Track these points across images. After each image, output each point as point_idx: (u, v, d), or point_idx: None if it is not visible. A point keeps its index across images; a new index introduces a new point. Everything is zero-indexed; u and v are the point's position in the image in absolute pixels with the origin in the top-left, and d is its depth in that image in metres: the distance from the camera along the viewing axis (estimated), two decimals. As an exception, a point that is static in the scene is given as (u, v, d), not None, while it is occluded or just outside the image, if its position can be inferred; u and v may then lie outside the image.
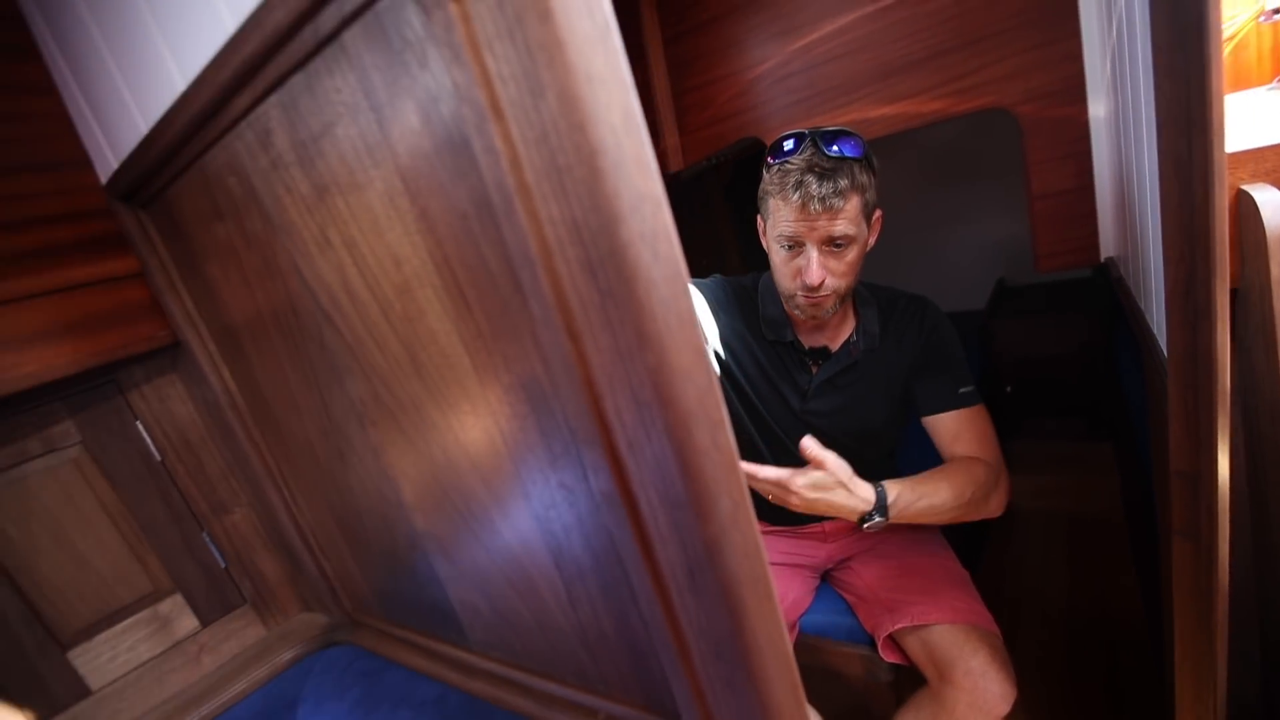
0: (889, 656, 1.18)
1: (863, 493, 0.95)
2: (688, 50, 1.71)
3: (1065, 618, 1.72)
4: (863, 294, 1.17)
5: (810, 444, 0.92)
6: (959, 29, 1.33)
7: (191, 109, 0.54)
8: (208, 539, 0.93)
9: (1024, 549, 2.02)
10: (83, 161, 0.75)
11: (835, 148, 0.92)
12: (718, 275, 1.29)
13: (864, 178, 0.94)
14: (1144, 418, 1.07)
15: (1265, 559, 0.86)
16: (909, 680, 1.22)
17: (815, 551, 1.34)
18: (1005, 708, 1.01)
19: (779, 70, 1.58)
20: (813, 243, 0.95)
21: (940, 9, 1.35)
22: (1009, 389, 2.41)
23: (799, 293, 1.02)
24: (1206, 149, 0.58)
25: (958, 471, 1.04)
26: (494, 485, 0.60)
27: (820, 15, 1.49)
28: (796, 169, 0.92)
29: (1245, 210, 0.78)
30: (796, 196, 0.91)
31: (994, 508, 1.04)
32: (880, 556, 1.25)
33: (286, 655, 0.90)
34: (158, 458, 0.89)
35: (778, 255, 1.03)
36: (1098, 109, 1.20)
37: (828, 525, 1.30)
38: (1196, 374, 0.65)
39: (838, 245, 0.96)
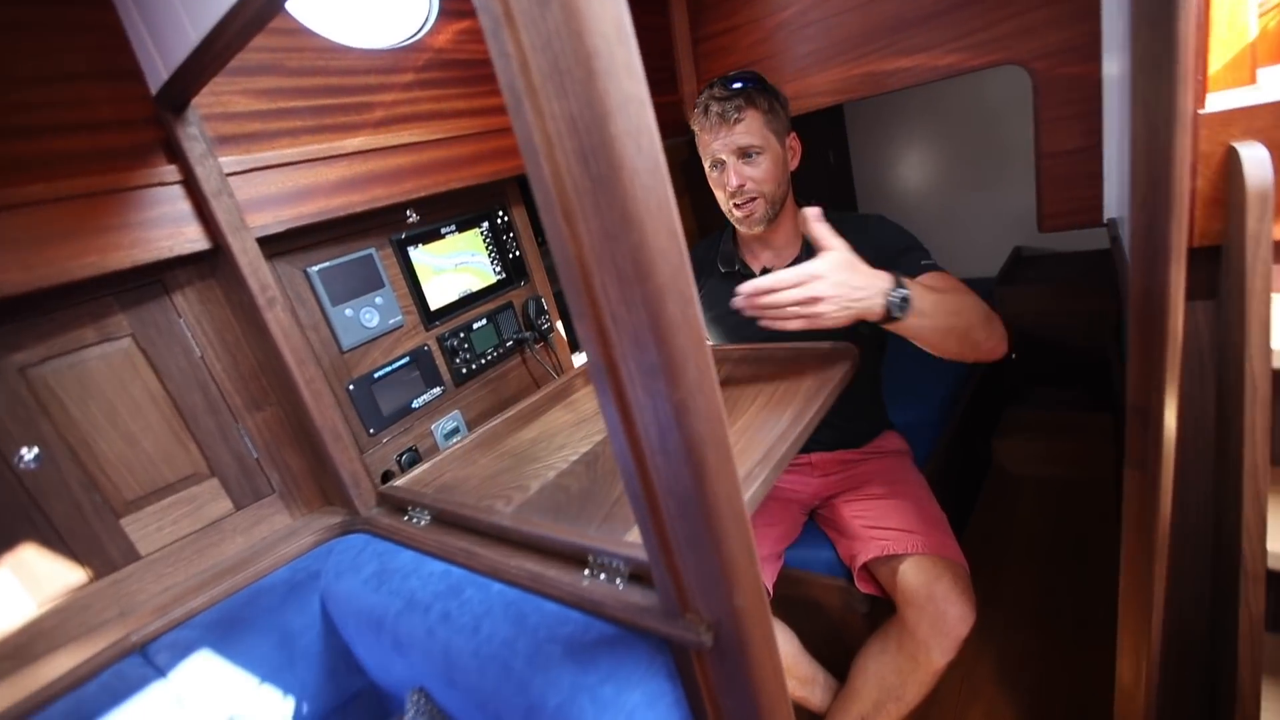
0: (864, 587, 1.27)
1: (877, 272, 0.91)
2: (710, -5, 1.71)
3: (1045, 561, 1.80)
4: None
5: (813, 217, 0.92)
6: (978, -19, 1.33)
7: (244, 16, 0.60)
8: (241, 432, 1.03)
9: (1014, 507, 2.09)
10: (135, 72, 0.82)
11: (734, 83, 1.16)
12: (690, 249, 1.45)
13: (763, 101, 1.16)
14: None
15: (1221, 495, 0.92)
16: (884, 613, 1.31)
17: (803, 486, 1.42)
18: (964, 630, 1.09)
19: (799, 19, 1.58)
20: (727, 154, 1.17)
21: (961, -39, 1.34)
22: (1014, 355, 2.44)
23: (731, 204, 1.22)
24: (1171, 94, 0.61)
25: (956, 288, 1.06)
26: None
27: (843, -36, 1.49)
28: (703, 100, 1.17)
29: (1233, 167, 0.81)
30: (704, 119, 1.17)
31: (998, 338, 1.05)
32: (864, 495, 1.33)
33: (309, 539, 1.00)
34: (198, 354, 0.98)
35: (712, 180, 1.24)
36: (1111, 67, 1.21)
37: (814, 456, 1.39)
38: (1151, 313, 0.70)
39: (750, 155, 1.17)
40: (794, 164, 1.27)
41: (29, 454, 0.85)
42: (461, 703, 0.69)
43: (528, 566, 0.76)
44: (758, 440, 0.86)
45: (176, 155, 0.85)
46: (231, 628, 0.88)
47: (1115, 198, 1.33)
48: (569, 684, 0.59)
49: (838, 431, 1.37)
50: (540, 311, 1.55)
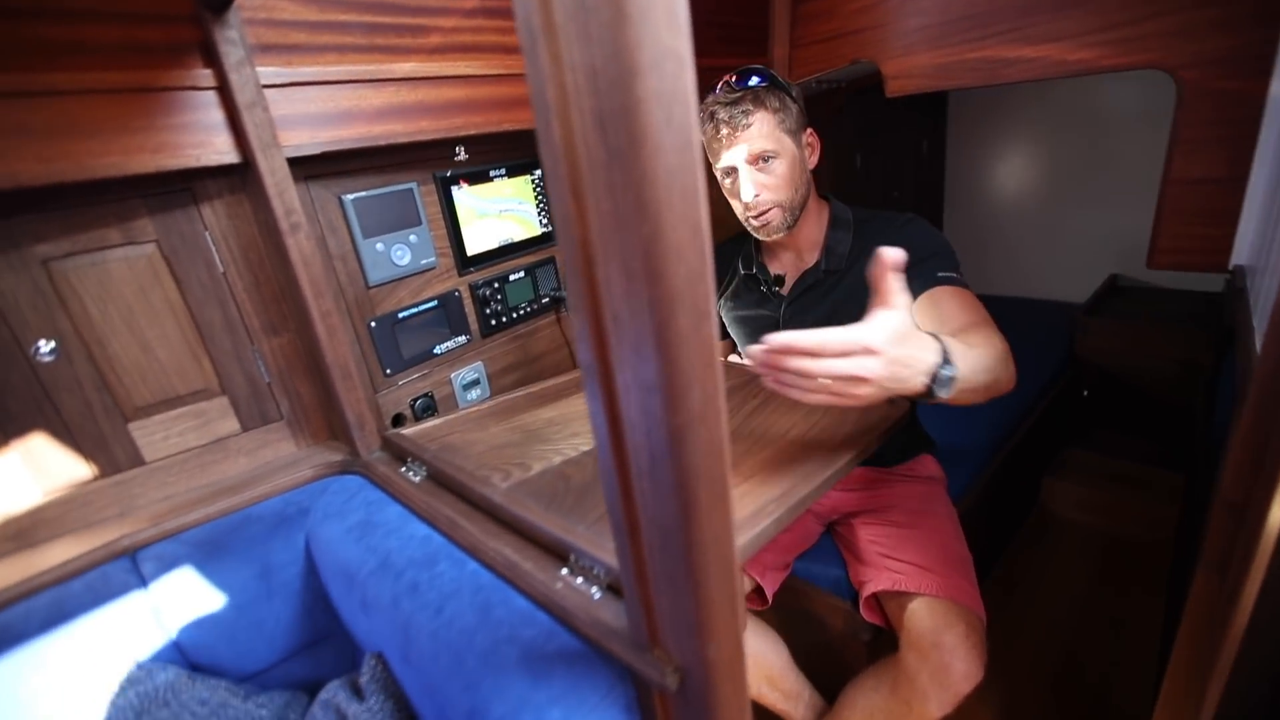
0: (868, 616, 1.20)
1: (925, 340, 0.74)
2: (820, -51, 1.55)
3: (1073, 628, 1.66)
4: (841, 218, 1.20)
5: (890, 264, 0.69)
6: (1133, -34, 1.13)
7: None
8: (256, 354, 1.01)
9: (1052, 555, 1.94)
10: (177, -37, 0.77)
11: (740, 82, 1.04)
12: (719, 244, 1.37)
13: (773, 100, 1.04)
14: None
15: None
16: (886, 646, 1.24)
17: (824, 498, 1.34)
18: (967, 687, 1.01)
19: (914, -13, 1.41)
20: (739, 162, 1.06)
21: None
22: (1086, 392, 2.24)
23: (747, 215, 1.12)
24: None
25: (972, 332, 0.90)
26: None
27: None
28: (708, 105, 1.06)
29: None
30: (712, 127, 1.06)
31: (1011, 378, 0.90)
32: (885, 520, 1.24)
33: (307, 472, 0.99)
34: (220, 270, 0.96)
35: (725, 190, 1.13)
36: (1280, 87, 1.01)
37: None
38: (1275, 395, 0.57)
39: (764, 161, 1.06)
40: (813, 161, 1.14)
41: (46, 347, 0.85)
42: (413, 681, 0.66)
43: (506, 552, 0.71)
44: (778, 478, 0.78)
45: (213, 59, 0.81)
46: (217, 549, 0.88)
47: (1250, 243, 1.14)
48: (517, 696, 0.54)
49: None
50: (581, 272, 1.49)
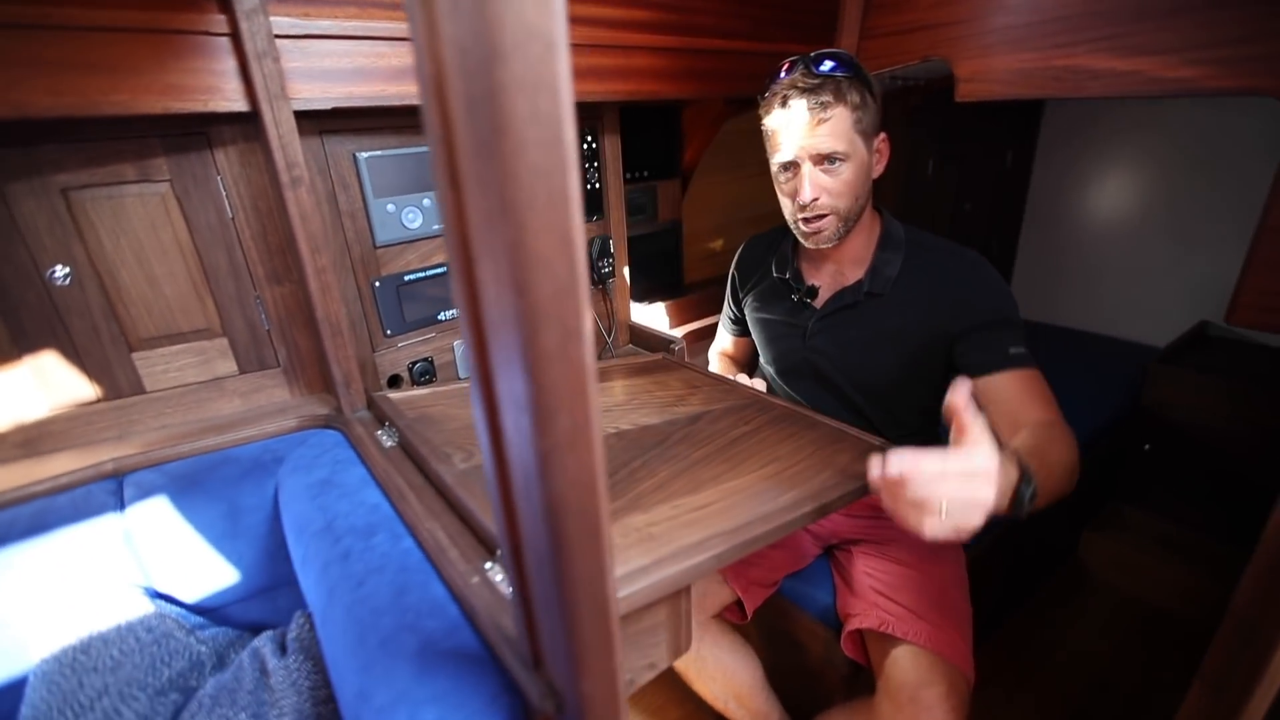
0: (849, 651, 1.15)
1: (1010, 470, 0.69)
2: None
3: (1085, 698, 1.54)
4: (894, 236, 1.08)
5: (962, 403, 0.63)
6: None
7: None
8: (257, 301, 1.04)
9: (1078, 615, 1.79)
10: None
11: (823, 66, 0.94)
12: (753, 235, 1.32)
13: (854, 95, 0.94)
14: None
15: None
16: (864, 685, 1.17)
17: (825, 520, 1.28)
18: (942, 752, 0.94)
19: (999, -18, 1.27)
20: (804, 159, 0.96)
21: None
22: (1147, 447, 2.04)
23: (798, 217, 1.02)
24: None
25: (1040, 432, 0.84)
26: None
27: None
28: (782, 88, 0.95)
29: None
30: (783, 114, 0.96)
31: (1074, 484, 0.84)
32: (885, 555, 1.17)
33: (292, 421, 1.01)
34: (230, 215, 0.98)
35: (779, 185, 1.04)
36: None
37: None
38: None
39: (831, 162, 0.96)
40: (879, 170, 1.04)
41: (61, 271, 0.90)
42: (328, 649, 0.66)
43: (439, 535, 0.70)
44: (736, 509, 0.73)
45: (226, 6, 0.81)
46: (192, 485, 0.91)
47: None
48: (399, 688, 0.53)
49: None
50: (605, 253, 1.45)
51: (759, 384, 1.12)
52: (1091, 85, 1.22)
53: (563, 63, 0.30)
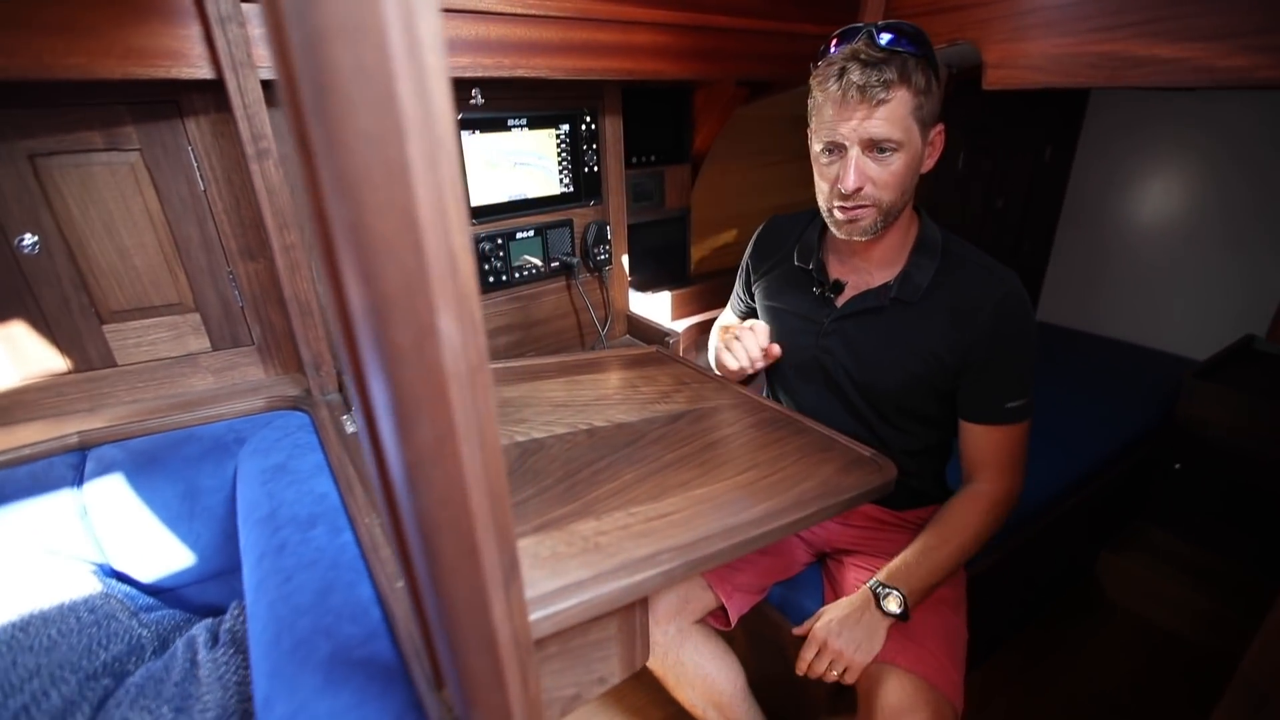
0: (834, 671, 1.09)
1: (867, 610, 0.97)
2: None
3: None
4: (930, 241, 1.00)
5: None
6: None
7: None
8: (230, 276, 1.01)
9: (1089, 638, 1.70)
10: None
11: (887, 37, 0.84)
12: (775, 215, 1.24)
13: (919, 77, 0.84)
14: None
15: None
16: (848, 703, 1.12)
17: (819, 528, 1.22)
18: (919, 781, 0.88)
19: (1034, -42, 1.17)
20: (853, 143, 0.87)
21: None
22: (1178, 466, 1.92)
23: (835, 204, 0.93)
24: None
25: (959, 529, 1.01)
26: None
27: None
28: (841, 59, 0.85)
29: None
30: (836, 87, 0.85)
31: (991, 525, 1.02)
32: (875, 566, 1.12)
33: (260, 401, 0.99)
34: (201, 187, 0.95)
35: (819, 165, 0.95)
36: None
37: None
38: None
39: (881, 151, 0.87)
40: (929, 165, 0.94)
41: (29, 240, 0.88)
42: (251, 646, 0.63)
43: (375, 531, 0.67)
44: (696, 521, 0.68)
45: (190, -33, 0.77)
46: (152, 462, 0.89)
47: None
48: (300, 699, 0.49)
49: None
50: (602, 240, 1.40)
51: (760, 327, 1.08)
52: (1132, 74, 1.11)
53: (392, 4, 0.24)
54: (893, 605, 0.93)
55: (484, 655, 0.38)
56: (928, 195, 2.11)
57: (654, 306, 1.62)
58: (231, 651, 0.69)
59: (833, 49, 0.88)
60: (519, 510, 0.70)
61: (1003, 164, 2.34)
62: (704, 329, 1.64)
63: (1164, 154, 2.31)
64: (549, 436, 0.88)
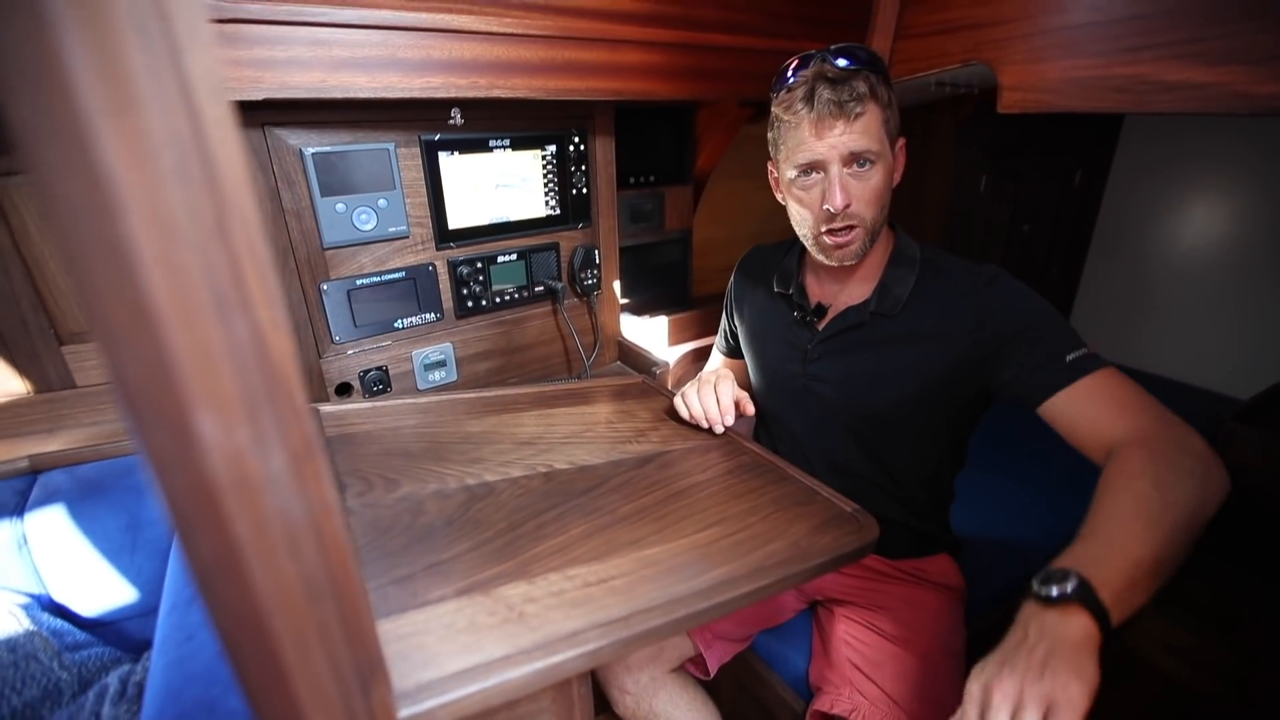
0: (814, 727, 1.02)
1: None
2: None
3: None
4: (906, 253, 0.95)
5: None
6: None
7: None
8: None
9: (1108, 694, 1.56)
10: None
11: (842, 61, 0.83)
12: (757, 244, 1.19)
13: (883, 91, 0.85)
14: None
15: None
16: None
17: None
18: None
19: (1054, -25, 1.09)
20: (834, 160, 0.84)
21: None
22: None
23: (823, 228, 0.88)
24: None
25: (1126, 484, 0.69)
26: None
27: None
28: (805, 82, 0.84)
29: None
30: (808, 109, 0.83)
31: (1215, 487, 0.68)
32: (870, 624, 1.05)
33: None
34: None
35: (796, 192, 0.91)
36: None
37: None
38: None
39: (861, 164, 0.85)
40: (897, 178, 0.91)
41: (-13, 258, 0.87)
42: (146, 704, 0.59)
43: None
44: (639, 588, 0.62)
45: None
46: (96, 491, 0.87)
47: None
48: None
49: None
50: (589, 264, 1.35)
51: (726, 387, 0.99)
52: (1162, 99, 1.02)
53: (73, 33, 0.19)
54: (1052, 590, 0.60)
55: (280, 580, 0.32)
56: (948, 219, 2.01)
57: (650, 331, 1.56)
58: (135, 710, 0.65)
59: (791, 75, 0.87)
60: (447, 567, 0.64)
61: (1029, 189, 2.24)
62: (699, 356, 1.57)
63: (1202, 179, 2.18)
64: (501, 480, 0.82)
